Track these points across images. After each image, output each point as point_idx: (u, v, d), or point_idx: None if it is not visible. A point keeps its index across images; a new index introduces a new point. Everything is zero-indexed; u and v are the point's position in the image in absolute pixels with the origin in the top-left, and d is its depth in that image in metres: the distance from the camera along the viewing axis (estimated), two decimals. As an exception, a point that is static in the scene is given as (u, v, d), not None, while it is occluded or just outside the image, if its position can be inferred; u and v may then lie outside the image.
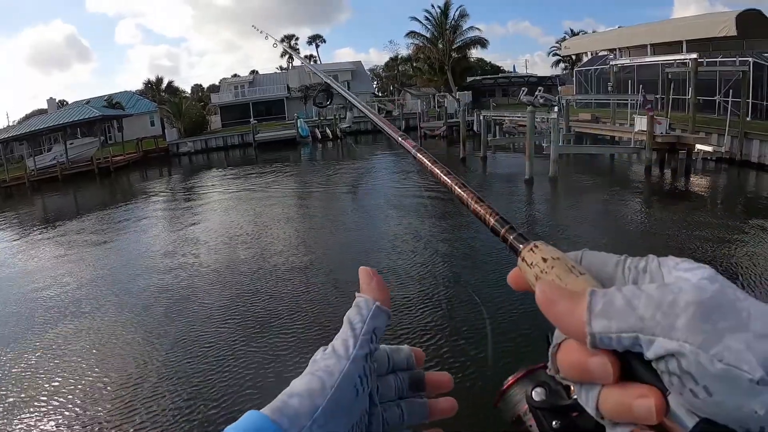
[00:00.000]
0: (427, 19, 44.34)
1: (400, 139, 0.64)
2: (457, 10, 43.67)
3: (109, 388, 6.18)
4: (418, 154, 0.56)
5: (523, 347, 5.80)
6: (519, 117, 24.40)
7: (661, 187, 15.52)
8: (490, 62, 60.05)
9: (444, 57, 43.66)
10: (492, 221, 0.43)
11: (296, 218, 14.76)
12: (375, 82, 62.23)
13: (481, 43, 45.40)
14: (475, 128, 26.86)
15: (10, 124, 54.64)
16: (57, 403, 6.00)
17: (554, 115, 18.83)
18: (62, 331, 8.08)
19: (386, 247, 10.57)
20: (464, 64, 46.17)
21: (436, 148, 29.17)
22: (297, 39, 72.92)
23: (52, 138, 37.61)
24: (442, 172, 0.51)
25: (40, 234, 17.04)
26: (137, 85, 79.08)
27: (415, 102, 41.63)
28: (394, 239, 11.08)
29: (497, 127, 26.48)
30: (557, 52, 57.36)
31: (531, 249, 0.37)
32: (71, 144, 35.32)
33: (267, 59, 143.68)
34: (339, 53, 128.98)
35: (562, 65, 57.53)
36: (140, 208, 19.76)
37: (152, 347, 7.13)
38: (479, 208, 0.45)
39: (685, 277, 0.30)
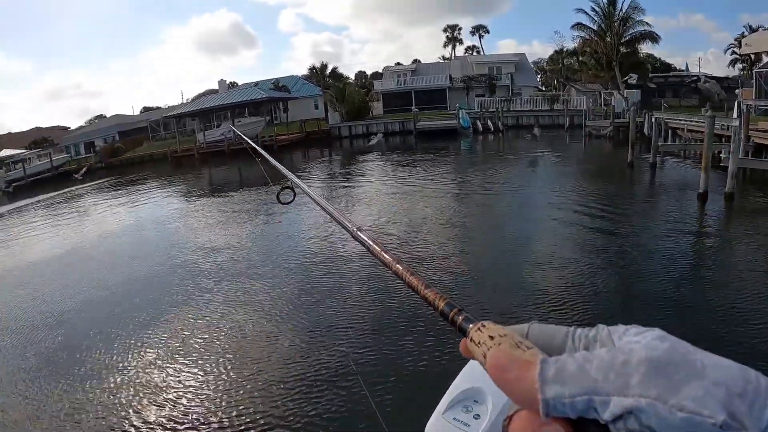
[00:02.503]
0: (593, 10, 42.62)
1: (355, 230, 0.71)
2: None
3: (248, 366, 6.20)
4: (371, 243, 0.64)
5: None
6: (695, 122, 23.56)
7: None
8: (659, 59, 54.89)
9: (612, 51, 41.75)
10: (441, 305, 0.44)
11: (448, 216, 14.26)
12: (539, 76, 61.19)
13: (652, 37, 42.17)
14: (645, 131, 26.58)
15: (184, 101, 60.23)
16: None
17: (735, 122, 17.23)
18: (212, 292, 8.90)
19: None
20: (633, 60, 43.43)
21: (601, 149, 28.94)
22: (460, 29, 73.93)
23: (221, 115, 42.22)
24: (393, 260, 0.57)
25: (203, 199, 19.67)
26: (302, 70, 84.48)
27: (581, 98, 40.81)
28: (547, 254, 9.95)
29: (669, 131, 25.82)
30: (734, 49, 51.83)
31: (478, 329, 0.38)
32: (238, 122, 38.03)
33: (428, 50, 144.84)
34: (501, 44, 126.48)
35: (739, 65, 51.81)
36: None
37: (287, 329, 7.14)
38: (428, 293, 0.47)
39: (635, 340, 0.31)
